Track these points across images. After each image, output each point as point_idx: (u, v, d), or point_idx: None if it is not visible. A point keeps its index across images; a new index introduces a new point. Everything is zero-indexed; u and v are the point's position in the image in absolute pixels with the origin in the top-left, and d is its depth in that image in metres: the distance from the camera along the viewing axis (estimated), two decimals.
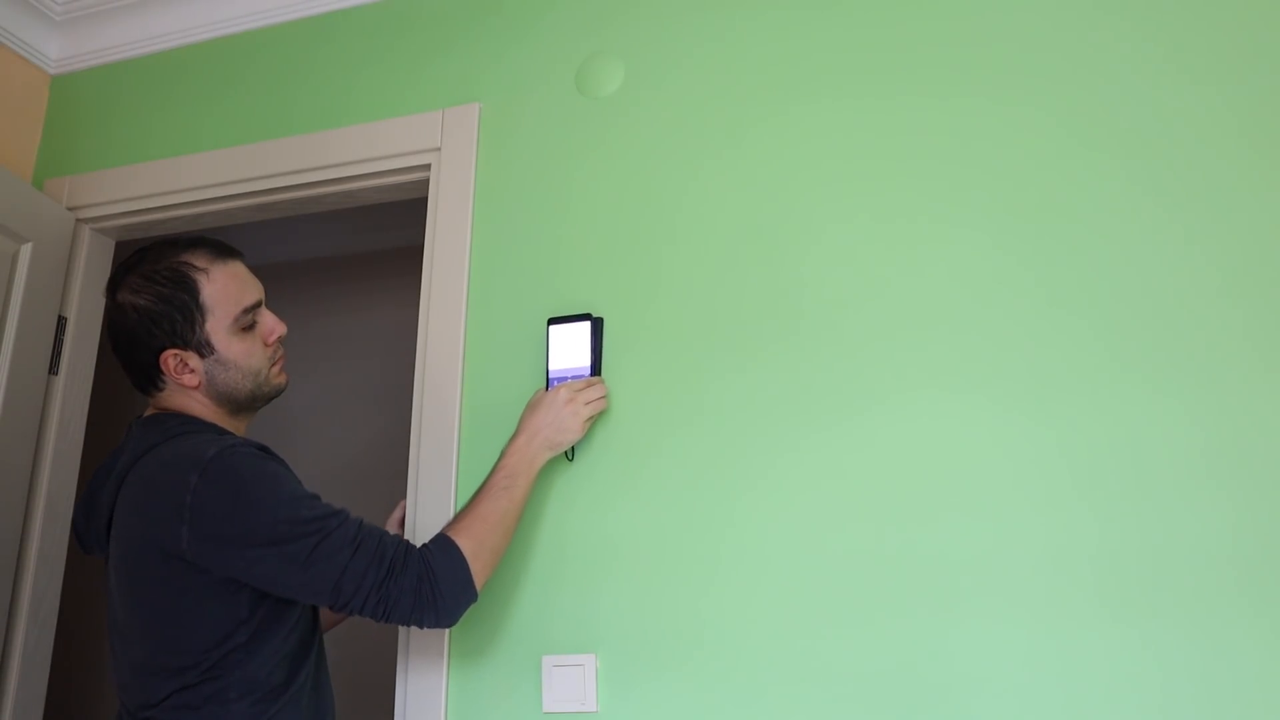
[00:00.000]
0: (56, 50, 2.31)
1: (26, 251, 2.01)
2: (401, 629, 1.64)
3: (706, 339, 1.63)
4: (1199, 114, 1.49)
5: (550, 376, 1.65)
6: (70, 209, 2.16)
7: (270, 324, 1.50)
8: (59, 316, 2.09)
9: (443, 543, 1.40)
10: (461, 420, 1.73)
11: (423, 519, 1.68)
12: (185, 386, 1.44)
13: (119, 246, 2.23)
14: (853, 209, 1.62)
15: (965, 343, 1.51)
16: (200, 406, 1.45)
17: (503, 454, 1.53)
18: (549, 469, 1.63)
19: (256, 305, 1.48)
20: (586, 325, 1.65)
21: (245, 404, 1.49)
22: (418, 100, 1.96)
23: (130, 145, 2.19)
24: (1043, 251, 1.51)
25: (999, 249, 1.53)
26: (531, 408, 1.57)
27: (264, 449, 1.38)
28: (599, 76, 1.83)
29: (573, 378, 1.63)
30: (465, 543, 1.40)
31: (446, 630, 1.61)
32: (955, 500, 1.45)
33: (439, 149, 1.89)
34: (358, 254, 3.37)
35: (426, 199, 1.91)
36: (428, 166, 1.91)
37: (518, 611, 1.60)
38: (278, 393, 1.53)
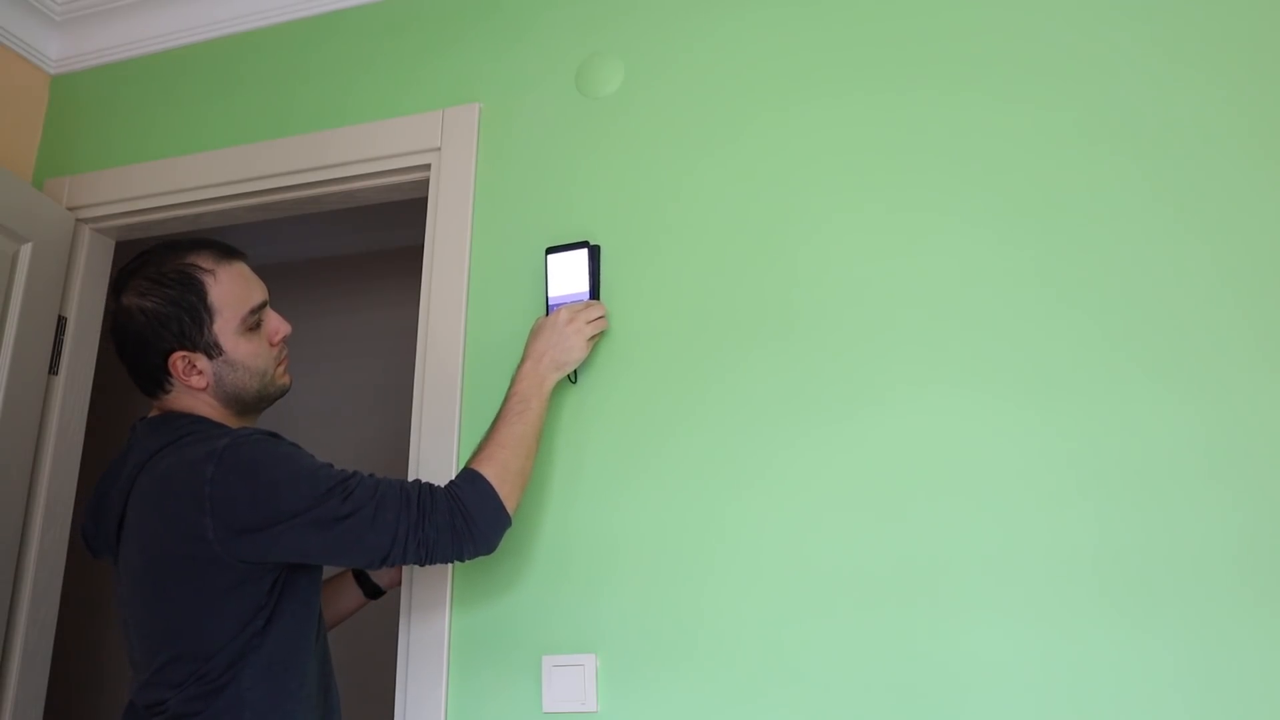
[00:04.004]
0: (56, 50, 2.31)
1: (26, 251, 2.01)
2: (402, 625, 1.65)
3: (706, 337, 1.63)
4: (1206, 111, 1.49)
5: (550, 302, 1.68)
6: (70, 209, 2.16)
7: (275, 324, 1.51)
8: (59, 316, 2.09)
9: (467, 475, 1.43)
10: (461, 420, 1.73)
11: None
12: (193, 388, 1.44)
13: (119, 247, 2.24)
14: (853, 206, 1.62)
15: (967, 339, 1.51)
16: (207, 407, 1.45)
17: (512, 381, 1.56)
18: (551, 465, 1.63)
19: (262, 305, 1.49)
20: (584, 253, 1.69)
21: (252, 404, 1.49)
22: (418, 100, 1.96)
23: (130, 145, 2.19)
24: (1046, 248, 1.51)
25: (1001, 245, 1.53)
26: (534, 333, 1.61)
27: (273, 435, 1.39)
28: (599, 76, 1.83)
29: (572, 302, 1.65)
30: (489, 470, 1.43)
31: (447, 630, 1.61)
32: (959, 498, 1.45)
33: (439, 149, 1.89)
34: (358, 254, 3.37)
35: (426, 199, 1.91)
36: (428, 166, 1.91)
37: (518, 611, 1.60)
38: (283, 392, 1.53)
